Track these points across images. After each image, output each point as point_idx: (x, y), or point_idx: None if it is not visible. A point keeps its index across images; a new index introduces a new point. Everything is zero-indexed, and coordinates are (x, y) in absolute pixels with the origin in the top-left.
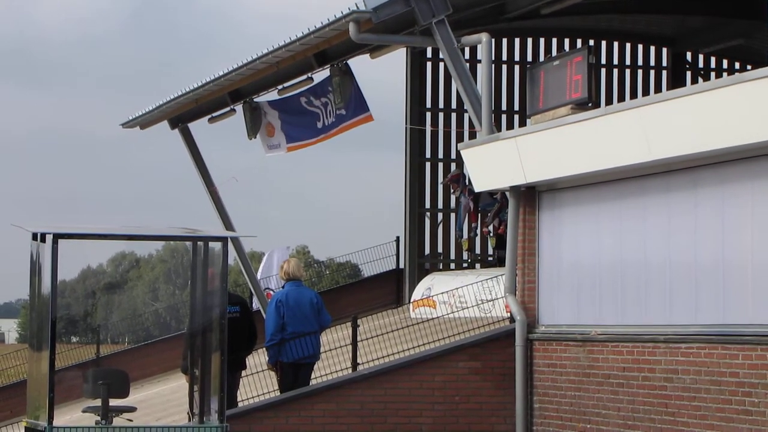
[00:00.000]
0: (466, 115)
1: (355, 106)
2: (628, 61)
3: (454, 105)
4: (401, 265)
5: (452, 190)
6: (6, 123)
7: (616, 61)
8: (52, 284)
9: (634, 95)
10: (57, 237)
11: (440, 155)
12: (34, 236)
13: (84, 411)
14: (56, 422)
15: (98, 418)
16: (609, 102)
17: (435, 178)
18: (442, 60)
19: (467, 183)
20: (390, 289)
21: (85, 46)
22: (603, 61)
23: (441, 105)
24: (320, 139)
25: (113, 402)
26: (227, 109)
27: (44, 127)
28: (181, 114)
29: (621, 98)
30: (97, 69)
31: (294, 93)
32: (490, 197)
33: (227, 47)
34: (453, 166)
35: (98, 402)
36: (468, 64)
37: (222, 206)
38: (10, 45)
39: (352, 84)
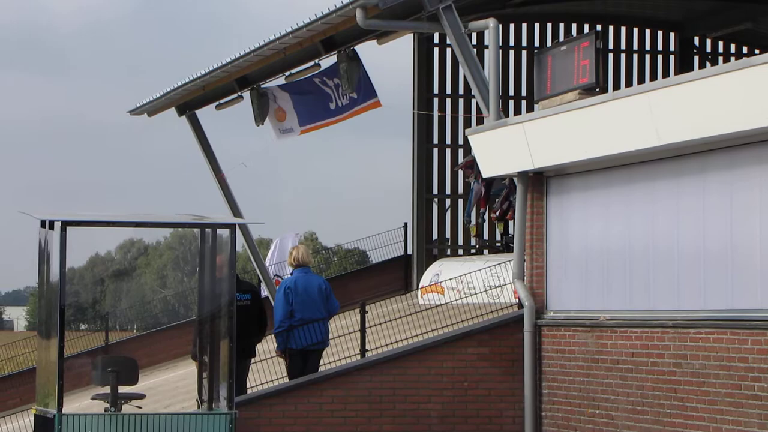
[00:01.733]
0: (473, 101)
1: (364, 91)
2: (635, 46)
3: (461, 91)
4: (409, 252)
5: (466, 176)
6: (14, 111)
7: (623, 46)
8: (60, 271)
9: (641, 80)
10: (65, 224)
11: (448, 141)
12: (43, 224)
13: (93, 398)
14: (65, 409)
15: (107, 405)
16: (617, 87)
17: (443, 164)
18: (450, 46)
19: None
20: (398, 276)
21: (94, 34)
22: (610, 46)
23: (448, 91)
24: (333, 121)
25: (122, 389)
26: (234, 95)
27: (52, 115)
28: (189, 101)
29: (629, 83)
30: (106, 56)
31: (305, 76)
32: (502, 182)
33: (239, 33)
34: (461, 151)
35: (107, 389)
36: (475, 50)
37: (230, 193)
38: (20, 33)
39: (359, 70)
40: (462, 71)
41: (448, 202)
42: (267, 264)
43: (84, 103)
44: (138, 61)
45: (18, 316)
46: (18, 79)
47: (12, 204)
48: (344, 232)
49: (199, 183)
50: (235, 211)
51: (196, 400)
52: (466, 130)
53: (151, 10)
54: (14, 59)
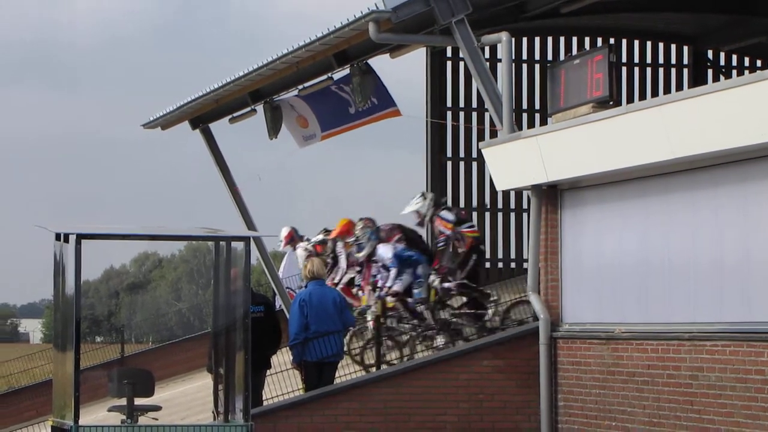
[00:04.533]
0: (486, 114)
1: (382, 100)
2: (649, 60)
3: (474, 104)
4: None
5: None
6: (32, 126)
7: (636, 60)
8: (75, 284)
9: (655, 93)
10: (80, 237)
11: (461, 154)
12: (58, 237)
13: (109, 410)
14: (82, 421)
15: (124, 417)
16: (630, 100)
17: (456, 177)
18: (462, 59)
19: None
20: None
21: (111, 50)
22: (624, 59)
23: (462, 104)
24: (353, 125)
25: (138, 401)
26: (248, 109)
27: (67, 130)
28: (202, 114)
29: (642, 97)
30: (123, 71)
31: (321, 87)
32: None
33: (259, 48)
34: (474, 164)
35: (123, 401)
36: (488, 63)
37: (244, 206)
38: (38, 50)
39: (373, 83)
40: (475, 85)
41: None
42: (281, 276)
43: (99, 117)
44: (156, 77)
45: (34, 328)
46: (35, 95)
47: (27, 218)
48: None
49: (213, 196)
50: (249, 224)
51: (212, 412)
52: (480, 144)
53: (170, 27)
54: (32, 75)
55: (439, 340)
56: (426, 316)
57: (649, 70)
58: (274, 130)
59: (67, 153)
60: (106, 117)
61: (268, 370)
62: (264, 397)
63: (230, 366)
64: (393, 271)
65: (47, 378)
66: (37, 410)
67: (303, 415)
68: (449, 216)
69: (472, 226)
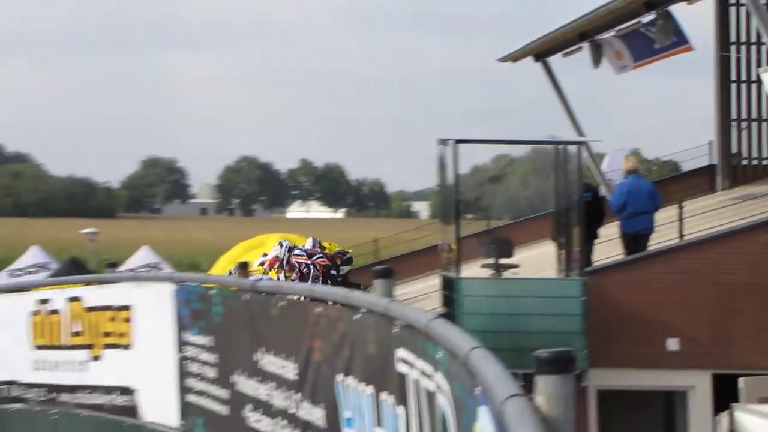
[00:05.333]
0: (763, 47)
1: (680, 38)
2: None
3: (753, 39)
4: (714, 162)
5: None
6: (421, 63)
7: None
8: (454, 176)
9: None
10: (458, 142)
11: (743, 78)
12: (440, 141)
13: (481, 267)
14: (462, 274)
15: (492, 272)
16: None
17: (739, 96)
18: (744, 5)
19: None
20: (705, 180)
21: None
22: None
23: (743, 39)
24: (657, 58)
25: (502, 260)
26: (576, 46)
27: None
28: (542, 50)
29: None
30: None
31: (633, 29)
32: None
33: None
34: (753, 87)
35: (491, 260)
36: (765, 7)
37: (575, 119)
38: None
39: (673, 25)
40: (755, 24)
41: (744, 124)
42: (603, 171)
43: (471, 53)
44: (519, 18)
45: (421, 208)
46: (420, 37)
47: (420, 132)
48: (659, 147)
49: (551, 113)
50: (579, 132)
51: (557, 269)
52: (759, 69)
53: None
54: (418, 21)
55: None
56: None
57: None
58: (596, 61)
59: (452, 83)
60: (478, 52)
61: (596, 240)
62: (594, 260)
63: (569, 236)
64: None
65: (433, 244)
66: (429, 266)
67: (624, 273)
68: (300, 251)
69: (323, 257)
